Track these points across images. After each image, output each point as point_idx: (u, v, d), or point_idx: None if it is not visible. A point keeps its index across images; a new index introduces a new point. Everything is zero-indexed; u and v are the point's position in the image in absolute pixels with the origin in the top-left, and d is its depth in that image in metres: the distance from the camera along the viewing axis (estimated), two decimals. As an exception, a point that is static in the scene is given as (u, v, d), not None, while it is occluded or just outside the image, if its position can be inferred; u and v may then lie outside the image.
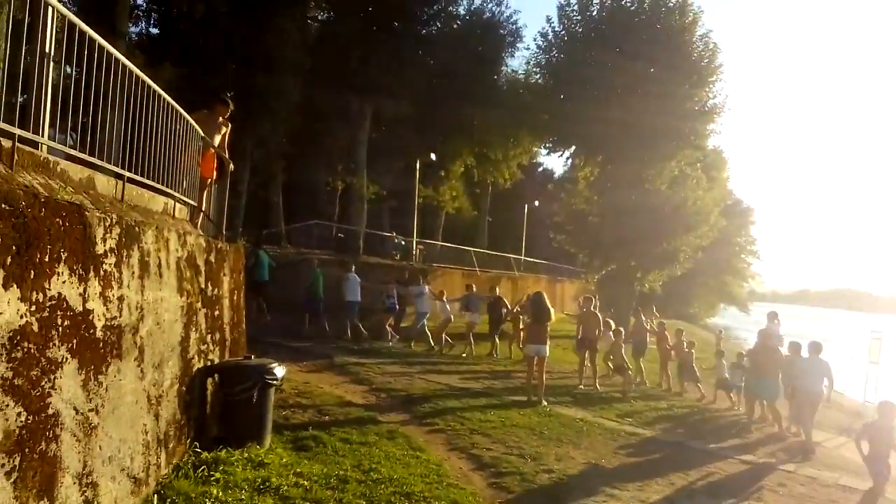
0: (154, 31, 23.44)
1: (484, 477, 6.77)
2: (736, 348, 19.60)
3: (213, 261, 6.66)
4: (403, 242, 28.64)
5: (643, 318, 16.18)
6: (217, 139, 8.03)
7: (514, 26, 30.49)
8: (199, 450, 5.79)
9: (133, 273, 4.38)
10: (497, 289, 18.05)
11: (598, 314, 14.48)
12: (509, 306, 16.75)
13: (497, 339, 16.63)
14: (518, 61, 43.48)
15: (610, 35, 25.96)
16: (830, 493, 7.98)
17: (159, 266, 4.93)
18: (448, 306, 16.86)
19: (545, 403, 10.71)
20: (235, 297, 7.88)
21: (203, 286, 6.22)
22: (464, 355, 15.80)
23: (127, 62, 4.89)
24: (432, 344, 16.15)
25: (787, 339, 13.04)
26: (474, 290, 17.94)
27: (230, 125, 8.33)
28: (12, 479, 2.93)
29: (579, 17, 27.37)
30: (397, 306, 16.55)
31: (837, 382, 11.80)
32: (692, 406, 13.25)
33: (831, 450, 11.97)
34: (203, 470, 5.39)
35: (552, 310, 11.61)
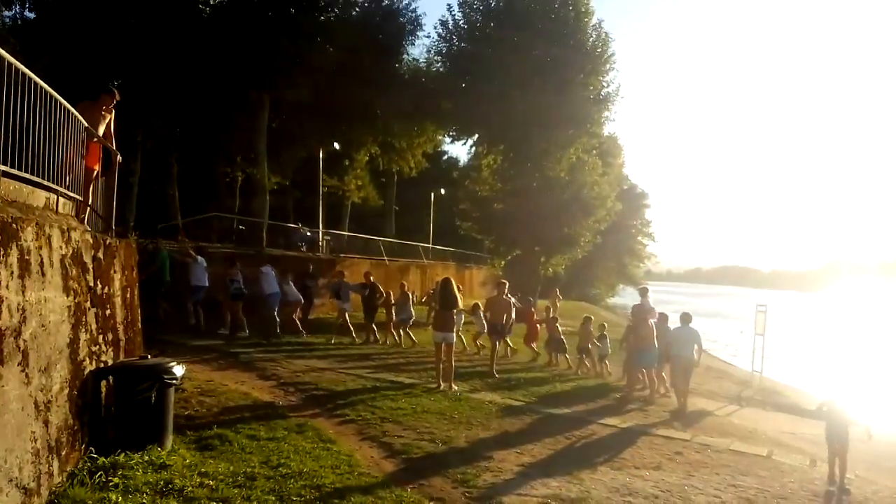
0: (30, 14, 21.85)
1: (396, 464, 6.81)
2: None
3: (102, 258, 6.32)
4: (309, 234, 28.11)
5: (529, 300, 17.07)
6: (102, 129, 7.60)
7: (414, 14, 30.39)
8: (95, 455, 5.51)
9: (12, 273, 4.10)
10: (371, 276, 17.61)
11: (510, 300, 14.36)
12: (383, 292, 16.62)
13: (374, 326, 16.39)
14: (419, 49, 43.42)
15: (508, 24, 26.45)
16: (722, 457, 8.52)
17: (41, 265, 4.63)
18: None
19: (455, 388, 10.87)
20: (128, 295, 7.52)
21: (91, 284, 5.89)
22: (332, 342, 15.45)
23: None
24: (277, 331, 15.54)
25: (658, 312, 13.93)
26: (344, 277, 17.56)
27: (113, 113, 7.90)
28: None
29: (479, 6, 27.72)
30: (244, 291, 15.66)
31: (729, 355, 12.97)
32: (595, 381, 13.89)
33: (722, 418, 12.80)
34: (100, 476, 5.15)
35: (459, 297, 11.72)
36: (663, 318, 13.45)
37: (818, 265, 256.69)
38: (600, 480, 6.80)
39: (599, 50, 27.32)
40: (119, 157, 8.02)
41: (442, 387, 10.88)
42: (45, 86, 5.41)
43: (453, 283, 11.68)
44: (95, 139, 7.41)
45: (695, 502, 6.39)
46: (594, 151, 31.24)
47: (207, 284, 15.55)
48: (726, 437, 10.04)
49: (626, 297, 78.57)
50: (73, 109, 6.40)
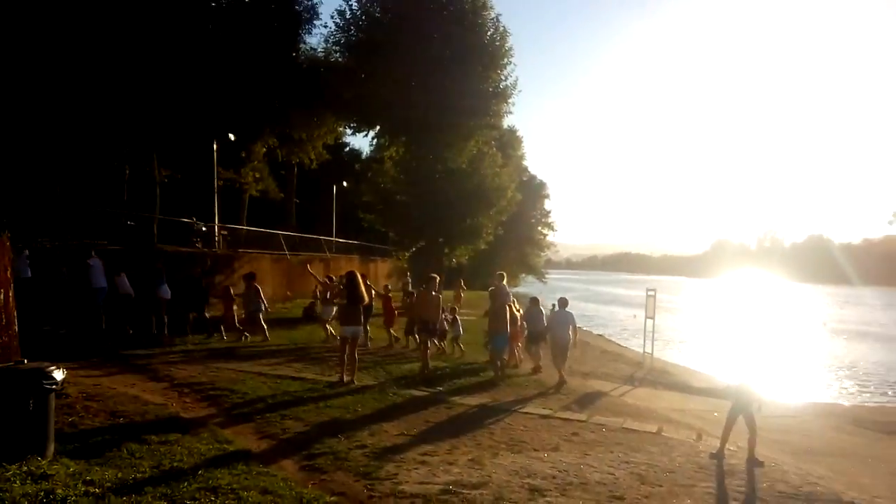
0: None
1: (296, 461, 6.70)
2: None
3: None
4: (205, 228, 27.01)
5: (412, 293, 17.47)
6: None
7: (310, 2, 29.76)
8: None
9: None
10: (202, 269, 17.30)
11: (438, 296, 13.45)
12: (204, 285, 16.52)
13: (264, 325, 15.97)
14: (317, 39, 42.59)
15: (407, 15, 26.40)
16: (616, 436, 8.93)
17: None
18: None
19: (355, 383, 10.79)
20: (1, 297, 6.98)
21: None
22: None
23: None
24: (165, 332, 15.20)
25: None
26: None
27: None
28: None
29: (376, -4, 27.50)
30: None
31: (622, 338, 13.67)
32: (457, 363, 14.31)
33: (616, 398, 13.44)
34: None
35: (366, 291, 11.53)
36: (534, 301, 14.75)
37: (704, 249, 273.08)
38: (501, 465, 6.96)
39: (498, 43, 27.75)
40: None
41: (345, 380, 10.80)
42: None
43: (359, 276, 11.30)
44: None
45: (590, 480, 6.65)
46: (494, 143, 31.80)
47: (107, 286, 15.15)
48: (620, 416, 10.53)
49: (529, 287, 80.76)
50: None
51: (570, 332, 13.34)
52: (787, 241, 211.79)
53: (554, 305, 14.71)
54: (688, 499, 6.28)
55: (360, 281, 11.20)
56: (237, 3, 27.12)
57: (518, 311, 14.86)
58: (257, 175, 34.95)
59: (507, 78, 28.64)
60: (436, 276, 13.64)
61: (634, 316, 45.37)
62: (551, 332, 13.59)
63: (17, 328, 7.60)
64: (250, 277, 16.28)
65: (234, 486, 5.54)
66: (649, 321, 22.92)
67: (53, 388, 5.85)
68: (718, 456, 8.11)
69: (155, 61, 22.88)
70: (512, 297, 13.83)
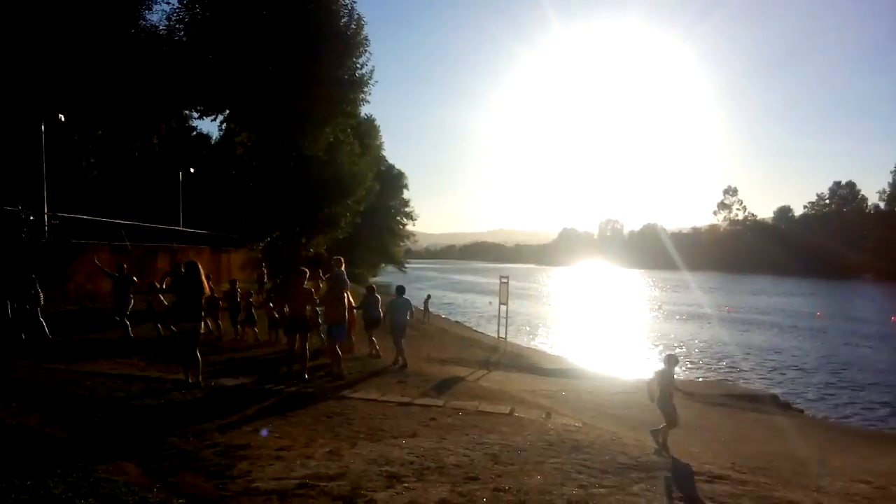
0: None
1: (139, 463, 6.27)
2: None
3: None
4: (32, 217, 24.46)
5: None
6: None
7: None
8: None
9: None
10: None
11: (309, 290, 12.23)
12: None
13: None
14: (158, 16, 39.85)
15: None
16: (472, 419, 9.20)
17: None
18: None
19: (202, 382, 10.25)
20: None
21: None
22: None
23: None
24: None
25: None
26: None
27: None
28: None
29: (222, -27, 26.18)
30: None
31: (478, 325, 14.13)
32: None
33: (472, 382, 13.83)
34: None
35: (205, 283, 10.48)
36: (370, 289, 15.47)
37: (552, 238, 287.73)
38: (359, 454, 6.94)
39: (353, 30, 27.45)
40: None
41: (190, 381, 10.17)
42: None
43: (200, 268, 10.50)
44: None
45: (446, 463, 6.80)
46: (350, 132, 31.47)
47: None
48: (475, 399, 10.86)
49: (389, 276, 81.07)
50: None
51: (408, 317, 14.47)
52: (626, 230, 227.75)
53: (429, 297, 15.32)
54: (538, 475, 6.59)
55: (202, 273, 10.37)
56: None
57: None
58: (92, 159, 32.16)
59: (363, 66, 28.46)
60: (306, 269, 12.37)
61: (490, 303, 47.04)
62: (390, 316, 14.34)
63: None
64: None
65: (70, 494, 5.09)
66: (503, 307, 23.83)
67: None
68: (661, 452, 8.20)
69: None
70: (349, 285, 13.48)
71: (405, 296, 14.57)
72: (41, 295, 14.54)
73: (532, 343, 29.24)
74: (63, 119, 23.73)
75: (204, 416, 8.19)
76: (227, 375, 11.27)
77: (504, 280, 24.22)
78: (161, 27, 30.42)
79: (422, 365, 16.25)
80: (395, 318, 14.23)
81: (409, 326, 14.87)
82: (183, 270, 10.88)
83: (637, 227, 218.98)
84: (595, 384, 18.07)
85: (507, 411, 10.01)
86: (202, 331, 10.70)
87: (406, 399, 10.22)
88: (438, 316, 35.38)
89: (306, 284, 11.95)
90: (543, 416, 10.06)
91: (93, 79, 24.76)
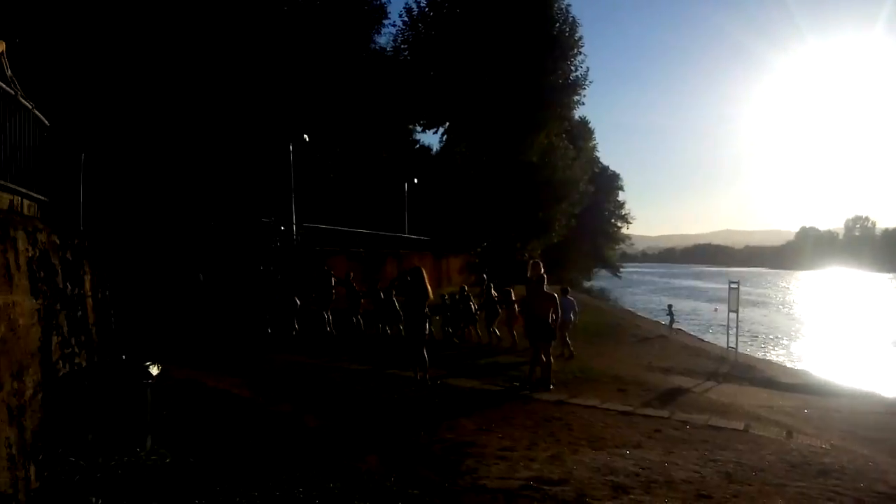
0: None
1: (377, 453, 6.81)
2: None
3: (71, 258, 6.21)
4: (283, 227, 27.79)
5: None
6: None
7: (378, 2, 30.15)
8: (73, 459, 5.43)
9: (-23, 277, 4.01)
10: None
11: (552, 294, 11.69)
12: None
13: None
14: (385, 38, 43.06)
15: (475, 10, 26.35)
16: (701, 433, 8.65)
17: (7, 268, 4.54)
18: None
19: (428, 379, 10.80)
20: (100, 296, 7.40)
21: (61, 286, 5.79)
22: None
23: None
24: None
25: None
26: None
27: None
28: None
29: (444, -7, 27.59)
30: None
31: (703, 333, 13.25)
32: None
33: (699, 394, 13.04)
34: (79, 479, 5.08)
35: (429, 288, 10.88)
36: (565, 291, 16.42)
37: (788, 239, 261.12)
38: (581, 461, 6.87)
39: (567, 34, 27.35)
40: (82, 154, 7.34)
41: (418, 377, 10.82)
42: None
43: (424, 273, 10.90)
44: None
45: (675, 478, 6.48)
46: (564, 136, 31.32)
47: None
48: (704, 412, 10.20)
49: (603, 280, 79.37)
50: (34, 110, 6.26)
51: (572, 316, 16.23)
52: (878, 228, 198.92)
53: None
54: (779, 498, 6.03)
55: (425, 278, 10.79)
56: (309, 7, 27.75)
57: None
58: (332, 175, 35.66)
59: (577, 69, 28.24)
60: (544, 274, 11.66)
61: (716, 309, 43.87)
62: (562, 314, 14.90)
63: (116, 326, 8.04)
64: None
65: (320, 477, 5.69)
66: (732, 315, 22.12)
67: (150, 382, 6.16)
68: None
69: (235, 69, 23.72)
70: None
71: (569, 296, 16.17)
72: (333, 293, 16.67)
73: (766, 355, 26.78)
74: (307, 139, 26.66)
75: (433, 414, 8.65)
76: (454, 376, 11.77)
77: (734, 285, 22.49)
78: (388, 48, 32.95)
79: (642, 373, 15.68)
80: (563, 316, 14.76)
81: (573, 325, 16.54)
82: (409, 277, 11.54)
83: (893, 224, 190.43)
84: (843, 402, 16.02)
85: (741, 427, 9.27)
86: (426, 332, 11.33)
87: (628, 408, 9.91)
88: (658, 322, 33.84)
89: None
90: (784, 434, 9.16)
91: (331, 102, 27.50)
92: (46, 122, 6.81)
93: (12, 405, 4.46)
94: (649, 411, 9.85)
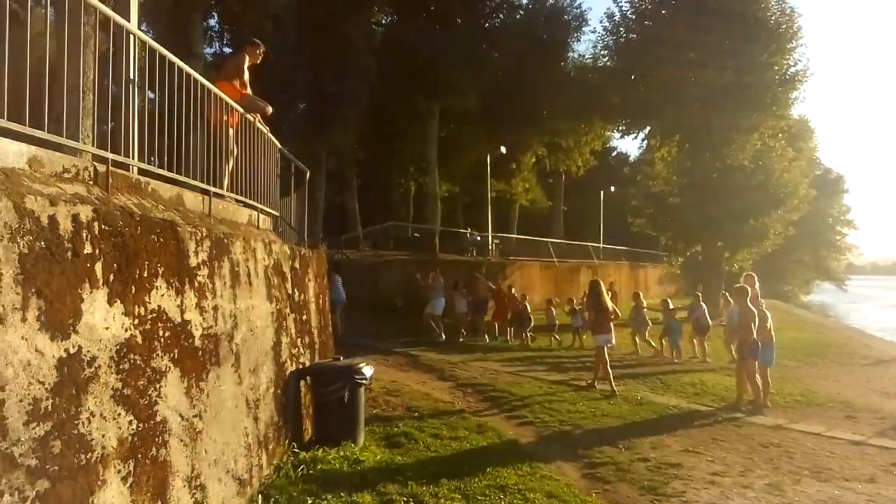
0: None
1: (578, 468, 6.69)
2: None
3: (298, 267, 6.86)
4: (479, 238, 28.60)
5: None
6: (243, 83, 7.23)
7: (579, 10, 30.05)
8: (297, 450, 5.98)
9: (225, 283, 4.56)
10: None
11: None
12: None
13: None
14: (585, 45, 42.75)
15: (680, 9, 25.08)
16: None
17: (248, 275, 5.11)
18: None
19: (616, 392, 10.39)
20: (321, 301, 8.09)
21: (290, 292, 6.41)
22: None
23: (206, 82, 5.09)
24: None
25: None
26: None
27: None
28: (128, 484, 3.10)
29: (647, -7, 26.59)
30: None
31: None
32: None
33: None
34: (302, 469, 5.56)
35: (605, 300, 11.06)
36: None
37: None
38: (805, 493, 6.19)
39: (784, 26, 25.01)
40: (270, 109, 7.25)
41: (614, 390, 10.47)
42: (248, 115, 5.98)
43: (601, 285, 11.55)
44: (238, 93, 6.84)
45: (924, 524, 5.60)
46: (781, 136, 28.57)
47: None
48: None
49: (824, 294, 71.24)
50: (269, 134, 7.02)
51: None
52: None
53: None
54: None
55: (601, 291, 11.21)
56: (510, 23, 28.37)
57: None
58: (526, 185, 36.06)
59: (795, 63, 25.67)
60: (747, 287, 10.59)
61: (972, 330, 37.50)
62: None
63: (331, 329, 8.75)
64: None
65: (521, 486, 5.70)
66: None
67: (364, 382, 6.59)
68: None
69: (436, 86, 24.91)
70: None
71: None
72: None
73: None
74: (504, 151, 27.20)
75: (632, 429, 8.31)
76: (652, 392, 11.25)
77: None
78: (587, 56, 32.55)
79: (875, 399, 13.78)
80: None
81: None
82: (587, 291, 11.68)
83: None
84: None
85: None
86: (610, 344, 11.04)
87: (858, 437, 8.76)
88: (883, 340, 29.59)
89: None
90: None
91: (530, 112, 27.84)
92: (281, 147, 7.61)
93: (250, 398, 5.00)
94: (885, 442, 8.63)
